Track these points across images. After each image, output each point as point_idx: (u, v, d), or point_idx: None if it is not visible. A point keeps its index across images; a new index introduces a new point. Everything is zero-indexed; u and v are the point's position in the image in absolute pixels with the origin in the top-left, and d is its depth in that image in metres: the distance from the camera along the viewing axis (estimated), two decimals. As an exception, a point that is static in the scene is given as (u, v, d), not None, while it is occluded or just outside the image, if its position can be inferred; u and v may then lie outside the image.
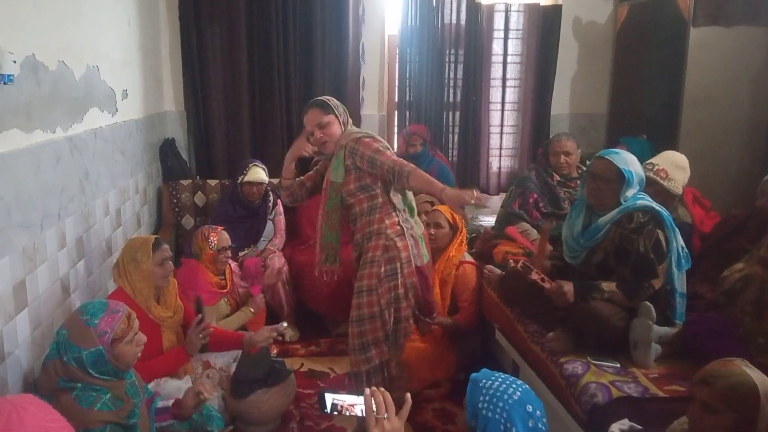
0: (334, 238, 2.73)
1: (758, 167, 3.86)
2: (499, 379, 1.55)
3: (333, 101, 2.74)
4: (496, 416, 1.47)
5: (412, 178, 2.53)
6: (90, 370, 1.83)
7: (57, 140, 2.30)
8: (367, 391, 1.48)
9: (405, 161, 2.60)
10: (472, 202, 2.39)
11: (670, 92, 4.06)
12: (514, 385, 1.53)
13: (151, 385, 2.35)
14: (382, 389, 1.49)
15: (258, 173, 3.80)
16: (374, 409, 1.44)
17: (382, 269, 2.64)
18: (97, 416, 1.81)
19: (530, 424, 1.47)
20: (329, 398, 1.57)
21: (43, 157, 2.16)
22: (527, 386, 1.56)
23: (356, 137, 2.65)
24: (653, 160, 3.10)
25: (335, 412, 1.56)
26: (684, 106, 3.96)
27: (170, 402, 2.20)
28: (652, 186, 3.05)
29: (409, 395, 1.51)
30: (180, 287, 2.88)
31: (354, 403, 1.54)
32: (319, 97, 2.79)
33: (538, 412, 1.50)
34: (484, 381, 1.55)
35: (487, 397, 1.50)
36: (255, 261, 3.63)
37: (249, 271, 3.50)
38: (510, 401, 1.48)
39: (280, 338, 2.96)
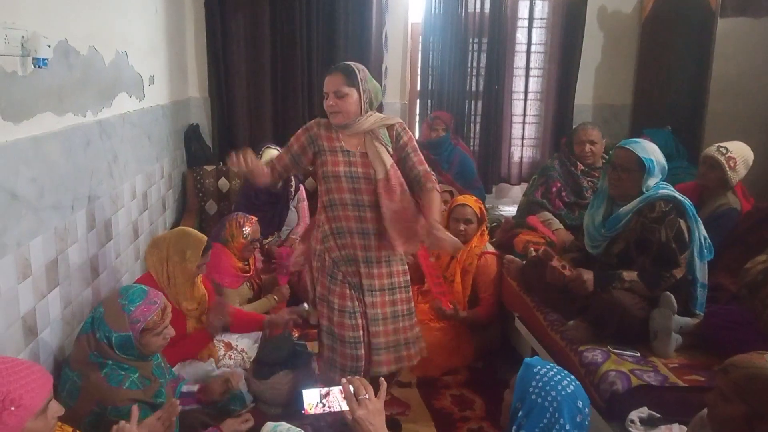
0: None
1: (784, 160, 3.81)
2: (554, 369, 1.55)
3: (363, 73, 2.37)
4: (545, 404, 1.46)
5: (432, 195, 2.38)
6: (116, 351, 1.90)
7: (87, 124, 2.34)
8: (343, 380, 1.49)
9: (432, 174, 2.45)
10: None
11: (696, 84, 4.01)
12: (568, 379, 1.53)
13: (175, 368, 2.39)
14: (357, 377, 1.50)
15: (272, 154, 3.82)
16: (353, 393, 1.46)
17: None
18: (125, 394, 1.87)
19: (578, 419, 1.48)
20: (308, 395, 1.53)
21: (74, 140, 2.20)
22: (579, 382, 1.55)
23: (402, 124, 2.45)
24: (727, 145, 3.02)
25: (319, 409, 1.52)
26: (710, 97, 3.91)
27: (195, 387, 2.25)
28: (715, 170, 2.99)
29: (383, 378, 1.53)
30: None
31: (335, 397, 1.51)
32: (349, 63, 2.40)
33: (586, 409, 1.51)
34: (539, 368, 1.55)
35: (540, 383, 1.50)
36: (287, 250, 3.61)
37: (281, 259, 3.52)
38: (563, 393, 1.48)
39: (300, 320, 2.99)
